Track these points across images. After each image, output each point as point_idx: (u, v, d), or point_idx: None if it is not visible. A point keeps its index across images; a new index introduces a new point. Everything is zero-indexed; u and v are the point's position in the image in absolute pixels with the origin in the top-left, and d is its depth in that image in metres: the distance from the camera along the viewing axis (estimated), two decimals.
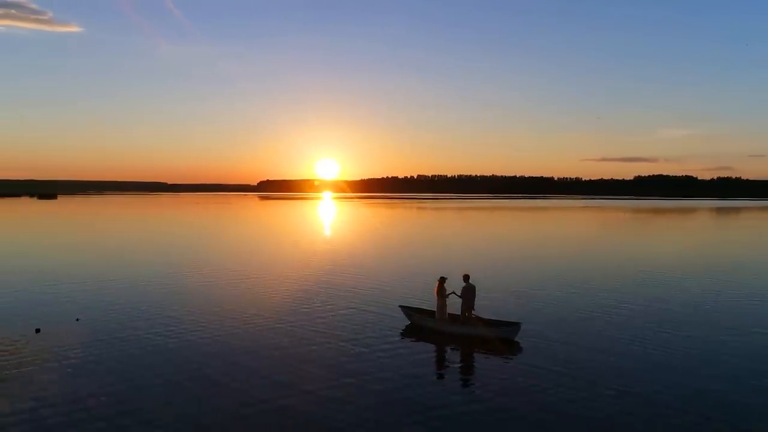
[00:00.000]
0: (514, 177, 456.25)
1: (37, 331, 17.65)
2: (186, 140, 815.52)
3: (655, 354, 16.00)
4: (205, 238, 55.65)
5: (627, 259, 38.26)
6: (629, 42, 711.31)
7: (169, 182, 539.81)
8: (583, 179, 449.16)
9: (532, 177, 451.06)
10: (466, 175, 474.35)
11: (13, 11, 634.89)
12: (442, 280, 18.29)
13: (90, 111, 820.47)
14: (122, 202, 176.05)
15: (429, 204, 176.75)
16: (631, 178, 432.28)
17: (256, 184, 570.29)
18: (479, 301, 18.19)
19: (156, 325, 18.76)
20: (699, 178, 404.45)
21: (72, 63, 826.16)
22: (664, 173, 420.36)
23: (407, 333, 18.02)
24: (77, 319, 19.25)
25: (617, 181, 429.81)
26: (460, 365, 15.69)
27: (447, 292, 18.14)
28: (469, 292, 17.76)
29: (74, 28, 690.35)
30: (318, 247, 46.18)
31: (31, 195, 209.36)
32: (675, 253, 43.34)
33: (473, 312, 17.89)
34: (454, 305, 18.22)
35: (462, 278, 18.18)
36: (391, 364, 14.81)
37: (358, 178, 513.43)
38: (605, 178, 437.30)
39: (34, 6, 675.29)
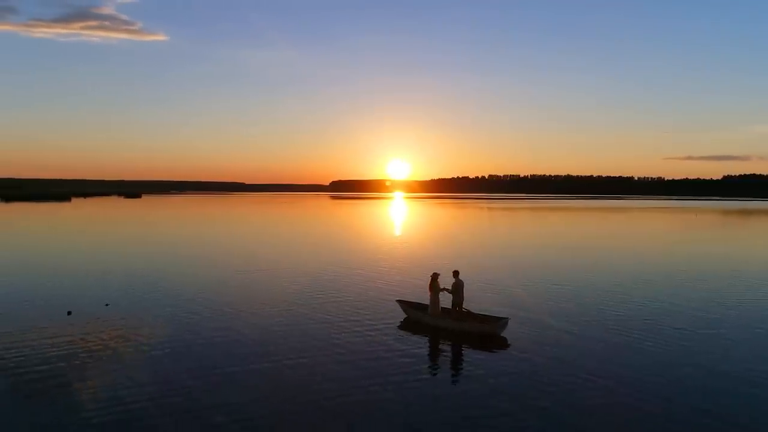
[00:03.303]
0: (591, 177, 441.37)
1: (69, 313, 19.67)
2: (263, 142, 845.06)
3: (647, 349, 15.83)
4: (258, 234, 58.16)
5: (669, 260, 36.89)
6: (719, 32, 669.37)
7: (247, 182, 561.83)
8: (666, 179, 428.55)
9: (610, 177, 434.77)
10: (540, 175, 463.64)
11: (106, 23, 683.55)
12: (435, 276, 18.76)
13: (174, 115, 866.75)
14: (199, 201, 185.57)
15: (498, 204, 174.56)
16: (720, 177, 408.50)
17: (328, 183, 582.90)
18: (470, 296, 18.50)
19: (179, 311, 20.37)
20: None
21: (159, 70, 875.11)
22: (758, 172, 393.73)
23: (402, 326, 18.58)
24: (107, 305, 21.18)
25: (704, 180, 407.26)
26: (447, 359, 15.91)
27: (439, 288, 18.59)
28: (458, 288, 18.15)
29: (161, 37, 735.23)
30: (367, 246, 47.26)
31: (119, 194, 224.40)
32: (731, 256, 41.10)
33: (463, 307, 18.26)
34: (449, 300, 18.69)
35: (452, 274, 18.62)
36: (379, 355, 15.46)
37: (429, 179, 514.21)
38: (690, 177, 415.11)
39: (124, 17, 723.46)
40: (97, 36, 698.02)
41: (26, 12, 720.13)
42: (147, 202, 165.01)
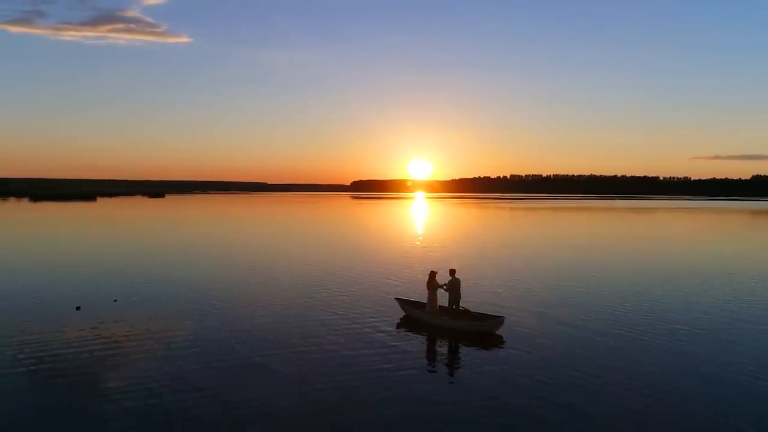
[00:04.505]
0: (615, 177, 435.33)
1: (78, 308, 20.25)
2: (285, 142, 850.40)
3: (638, 346, 15.80)
4: (274, 234, 58.69)
5: (683, 261, 36.44)
6: (747, 28, 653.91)
7: (269, 182, 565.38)
8: (692, 179, 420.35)
9: (635, 177, 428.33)
10: (562, 175, 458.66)
11: (132, 26, 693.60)
12: (433, 274, 18.89)
13: (198, 116, 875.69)
14: (221, 201, 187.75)
15: (520, 204, 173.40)
16: (749, 177, 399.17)
17: (349, 183, 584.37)
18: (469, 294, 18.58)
19: (187, 307, 20.89)
20: None
21: (182, 71, 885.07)
22: None
23: (401, 324, 18.74)
24: (115, 300, 21.73)
25: (732, 180, 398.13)
26: (442, 356, 16.10)
27: (437, 285, 18.70)
28: (454, 286, 18.26)
29: (184, 39, 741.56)
30: (384, 245, 47.45)
31: (143, 194, 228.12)
32: (750, 258, 40.33)
33: (460, 305, 18.36)
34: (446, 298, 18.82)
35: (448, 272, 18.74)
36: (375, 352, 15.68)
37: (450, 178, 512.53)
38: (718, 177, 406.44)
39: (149, 19, 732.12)
40: (124, 38, 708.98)
41: (56, 16, 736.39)
42: (170, 201, 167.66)
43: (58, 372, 13.67)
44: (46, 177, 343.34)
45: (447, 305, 18.69)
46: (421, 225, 77.61)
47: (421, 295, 21.65)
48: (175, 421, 11.03)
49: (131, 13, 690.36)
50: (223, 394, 12.39)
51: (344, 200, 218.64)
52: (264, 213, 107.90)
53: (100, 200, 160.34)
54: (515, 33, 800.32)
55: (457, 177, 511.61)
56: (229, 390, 12.66)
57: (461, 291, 18.57)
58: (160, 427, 10.82)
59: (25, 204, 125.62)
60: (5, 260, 33.78)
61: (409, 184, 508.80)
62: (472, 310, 18.55)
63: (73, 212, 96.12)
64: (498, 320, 17.47)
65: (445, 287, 18.46)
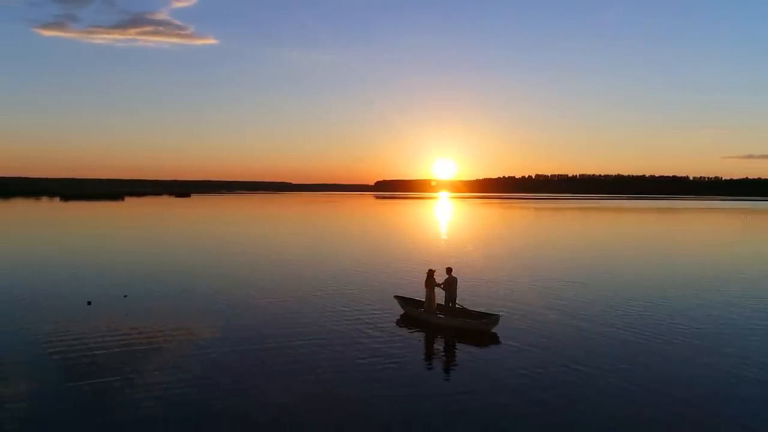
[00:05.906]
0: (643, 177, 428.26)
1: (89, 303, 20.97)
2: (310, 142, 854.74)
3: (640, 345, 15.79)
4: (291, 233, 59.39)
5: (697, 263, 35.88)
6: None
7: (294, 182, 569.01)
8: (723, 179, 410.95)
9: (663, 176, 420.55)
10: (589, 175, 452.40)
11: (160, 28, 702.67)
12: (431, 272, 19.08)
13: (223, 116, 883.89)
14: (245, 200, 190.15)
15: (545, 204, 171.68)
16: None
17: (373, 183, 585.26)
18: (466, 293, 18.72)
19: (194, 303, 21.49)
20: None
21: (209, 72, 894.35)
22: None
23: (399, 321, 19.00)
24: (125, 296, 22.41)
25: (765, 180, 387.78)
26: (437, 353, 16.34)
27: (434, 284, 18.89)
28: (450, 285, 18.42)
29: (211, 41, 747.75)
30: (401, 245, 47.71)
31: (170, 194, 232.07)
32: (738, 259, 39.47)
33: (457, 303, 18.54)
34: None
35: (445, 271, 18.92)
36: (372, 349, 15.95)
37: (475, 178, 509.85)
38: (750, 177, 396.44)
39: (177, 22, 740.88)
40: (152, 41, 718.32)
41: (86, 19, 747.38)
42: (195, 201, 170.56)
43: (58, 367, 14.23)
44: (76, 177, 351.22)
45: (445, 303, 18.85)
46: (444, 225, 77.62)
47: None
48: (178, 413, 11.42)
49: (160, 15, 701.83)
50: (224, 385, 12.93)
51: (368, 200, 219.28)
52: (287, 212, 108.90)
53: (127, 200, 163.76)
54: (540, 31, 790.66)
55: (481, 177, 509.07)
56: (230, 381, 13.19)
57: (457, 290, 18.78)
58: (162, 416, 11.25)
59: (55, 203, 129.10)
60: (28, 256, 34.99)
61: (433, 184, 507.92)
62: (472, 308, 18.74)
63: (101, 211, 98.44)
64: (493, 318, 17.58)
65: (442, 285, 18.63)
